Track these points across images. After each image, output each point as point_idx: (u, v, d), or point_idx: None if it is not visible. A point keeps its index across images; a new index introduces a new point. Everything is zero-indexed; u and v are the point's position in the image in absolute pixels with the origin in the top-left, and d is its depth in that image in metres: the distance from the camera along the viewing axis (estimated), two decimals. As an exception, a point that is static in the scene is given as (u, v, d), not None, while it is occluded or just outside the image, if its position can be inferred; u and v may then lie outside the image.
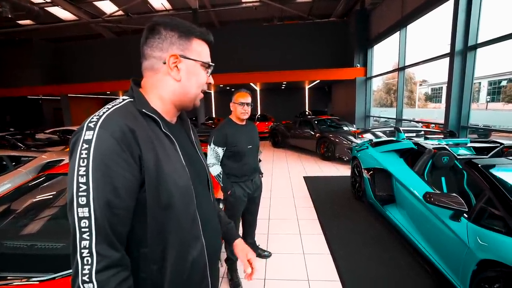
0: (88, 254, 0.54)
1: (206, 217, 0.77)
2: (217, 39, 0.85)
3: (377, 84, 23.19)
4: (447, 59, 5.25)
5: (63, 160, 3.71)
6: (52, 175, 2.25)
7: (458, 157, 2.64)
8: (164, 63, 0.70)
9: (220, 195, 2.17)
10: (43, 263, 1.30)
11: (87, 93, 14.39)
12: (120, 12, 12.45)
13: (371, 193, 3.36)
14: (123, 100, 0.68)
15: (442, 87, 22.20)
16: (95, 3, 11.87)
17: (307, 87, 15.84)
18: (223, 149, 2.06)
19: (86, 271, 0.54)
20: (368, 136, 6.37)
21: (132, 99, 0.69)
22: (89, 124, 0.58)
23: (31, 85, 13.09)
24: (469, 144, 3.09)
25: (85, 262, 0.54)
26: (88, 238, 0.54)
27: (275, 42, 12.11)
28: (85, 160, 0.55)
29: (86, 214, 0.54)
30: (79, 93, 13.53)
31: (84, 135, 0.57)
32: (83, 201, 0.54)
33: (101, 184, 0.55)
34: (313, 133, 7.35)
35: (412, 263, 2.40)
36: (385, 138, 5.59)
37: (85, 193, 0.54)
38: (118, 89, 12.79)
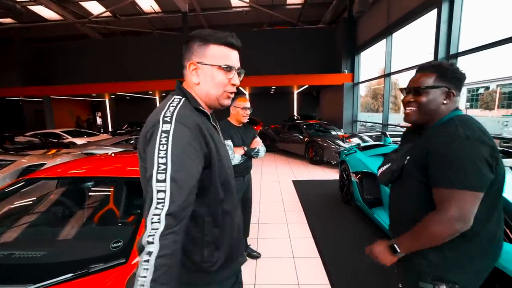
0: (158, 221, 0.64)
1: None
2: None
3: (364, 89, 23.75)
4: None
5: (45, 164, 3.56)
6: (32, 179, 2.15)
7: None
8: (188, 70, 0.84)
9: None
10: (21, 273, 1.23)
11: (72, 95, 13.97)
12: (108, 13, 12.24)
13: (359, 196, 3.40)
14: (180, 99, 0.82)
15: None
16: (82, 3, 11.64)
17: (295, 91, 16.01)
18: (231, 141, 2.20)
19: (152, 233, 0.63)
20: (356, 140, 6.49)
21: (185, 98, 0.83)
22: (165, 119, 0.73)
23: (10, 86, 12.59)
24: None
25: (154, 227, 0.64)
26: (161, 208, 0.65)
27: (265, 47, 12.22)
28: (165, 146, 0.69)
29: (163, 188, 0.66)
30: (64, 95, 13.12)
31: (162, 126, 0.71)
32: (161, 178, 0.67)
33: (178, 165, 0.68)
34: (302, 137, 7.42)
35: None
36: (372, 142, 5.72)
37: (163, 172, 0.67)
38: (106, 91, 12.52)
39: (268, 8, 11.93)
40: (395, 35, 7.66)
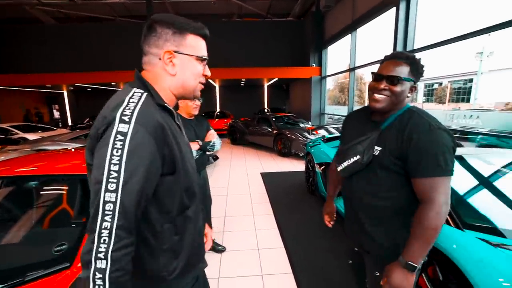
0: (108, 235, 0.59)
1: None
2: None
3: (332, 83, 24.55)
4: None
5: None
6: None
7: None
8: (160, 59, 0.76)
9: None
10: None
11: (21, 86, 12.63)
12: (62, -4, 11.19)
13: (323, 187, 3.53)
14: (141, 94, 0.72)
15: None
16: (30, -17, 10.48)
17: (266, 84, 16.06)
18: None
19: (102, 249, 0.59)
20: (322, 132, 6.70)
21: (146, 93, 0.73)
22: (123, 118, 0.64)
23: None
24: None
25: (102, 241, 0.59)
26: (110, 220, 0.60)
27: (234, 39, 12.02)
28: (119, 151, 0.61)
29: (113, 199, 0.60)
30: (10, 85, 11.78)
31: (118, 126, 0.63)
32: (112, 187, 0.60)
33: (133, 174, 0.62)
34: (270, 130, 7.49)
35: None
36: (337, 134, 5.95)
37: (115, 180, 0.60)
38: (62, 82, 11.50)
39: (237, -2, 11.71)
40: (359, 31, 7.95)
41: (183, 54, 0.77)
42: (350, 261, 1.36)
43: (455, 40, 4.24)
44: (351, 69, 8.31)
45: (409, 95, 1.05)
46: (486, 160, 2.29)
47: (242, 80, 12.85)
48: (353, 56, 8.22)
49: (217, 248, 2.61)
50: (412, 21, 5.21)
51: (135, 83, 0.76)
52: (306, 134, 6.68)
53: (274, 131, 7.27)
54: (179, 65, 0.77)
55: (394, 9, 5.51)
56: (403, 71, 1.01)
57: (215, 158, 6.27)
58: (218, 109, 14.90)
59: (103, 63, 11.79)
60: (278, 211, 3.53)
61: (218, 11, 13.26)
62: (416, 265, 0.95)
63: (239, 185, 4.71)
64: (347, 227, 1.31)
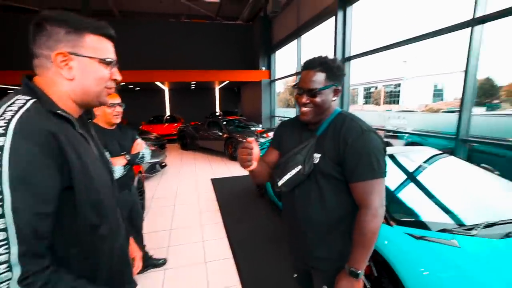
0: (7, 268, 0.51)
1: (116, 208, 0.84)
2: (117, 31, 0.73)
3: (283, 86, 25.47)
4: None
5: None
6: None
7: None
8: (53, 62, 0.66)
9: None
10: None
11: None
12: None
13: (270, 189, 3.55)
14: (26, 100, 0.61)
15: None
16: None
17: (217, 87, 15.86)
18: None
19: (4, 286, 0.51)
20: (272, 135, 6.80)
21: (35, 99, 0.63)
22: None
23: None
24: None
25: (3, 278, 0.51)
26: (5, 251, 0.51)
27: (183, 40, 11.59)
28: None
29: (2, 226, 0.51)
30: None
31: None
32: None
33: (23, 192, 0.53)
34: (221, 134, 7.37)
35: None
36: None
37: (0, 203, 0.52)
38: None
39: (185, -2, 11.32)
40: (303, 37, 8.34)
41: (82, 56, 0.68)
42: (295, 275, 1.32)
43: (385, 48, 4.69)
44: (297, 73, 8.67)
45: (334, 98, 1.06)
46: (410, 158, 2.53)
47: (193, 83, 12.46)
48: (299, 61, 8.59)
49: (158, 263, 2.40)
50: (348, 29, 5.63)
51: (22, 89, 0.66)
52: (256, 137, 6.71)
53: (225, 135, 7.16)
54: (78, 68, 0.68)
55: (333, 18, 5.89)
56: (320, 79, 1.00)
57: (163, 165, 5.90)
58: (168, 113, 14.20)
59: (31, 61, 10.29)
60: (227, 219, 3.43)
61: (166, 10, 12.65)
62: (358, 271, 0.95)
63: (187, 194, 4.48)
64: (291, 244, 1.26)
